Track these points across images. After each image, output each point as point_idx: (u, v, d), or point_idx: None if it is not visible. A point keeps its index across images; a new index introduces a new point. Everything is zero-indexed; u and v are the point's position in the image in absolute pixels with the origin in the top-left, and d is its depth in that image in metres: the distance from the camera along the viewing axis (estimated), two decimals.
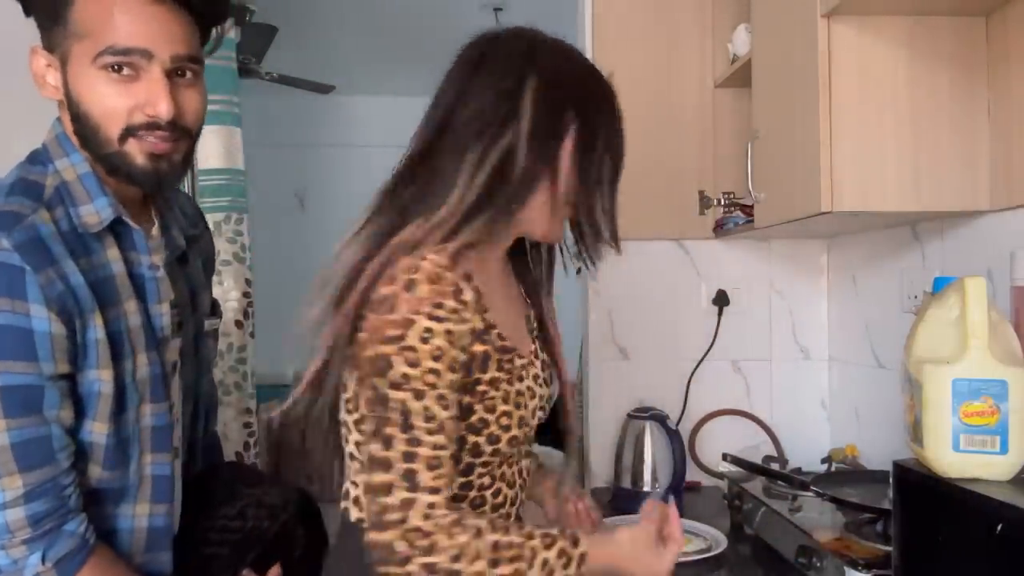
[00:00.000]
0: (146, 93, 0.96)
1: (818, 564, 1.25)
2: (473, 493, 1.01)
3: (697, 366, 2.05)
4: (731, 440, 1.97)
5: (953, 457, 0.97)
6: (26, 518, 0.93)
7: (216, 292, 2.02)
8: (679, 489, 1.86)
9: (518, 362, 1.01)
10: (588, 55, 2.05)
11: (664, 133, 2.03)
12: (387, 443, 0.88)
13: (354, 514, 1.02)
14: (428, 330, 0.89)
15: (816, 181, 1.35)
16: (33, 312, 0.91)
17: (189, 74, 1.00)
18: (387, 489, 0.87)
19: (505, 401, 0.99)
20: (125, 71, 0.95)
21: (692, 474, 1.98)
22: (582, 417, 2.17)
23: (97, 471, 1.00)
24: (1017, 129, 1.30)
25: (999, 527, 0.85)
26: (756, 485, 1.62)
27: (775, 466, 1.76)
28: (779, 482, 1.60)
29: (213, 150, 2.03)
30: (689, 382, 2.04)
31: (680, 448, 1.85)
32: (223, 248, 2.03)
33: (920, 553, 1.00)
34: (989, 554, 0.87)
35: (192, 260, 1.18)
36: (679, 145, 2.04)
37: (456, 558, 0.86)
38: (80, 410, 0.97)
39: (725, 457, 1.79)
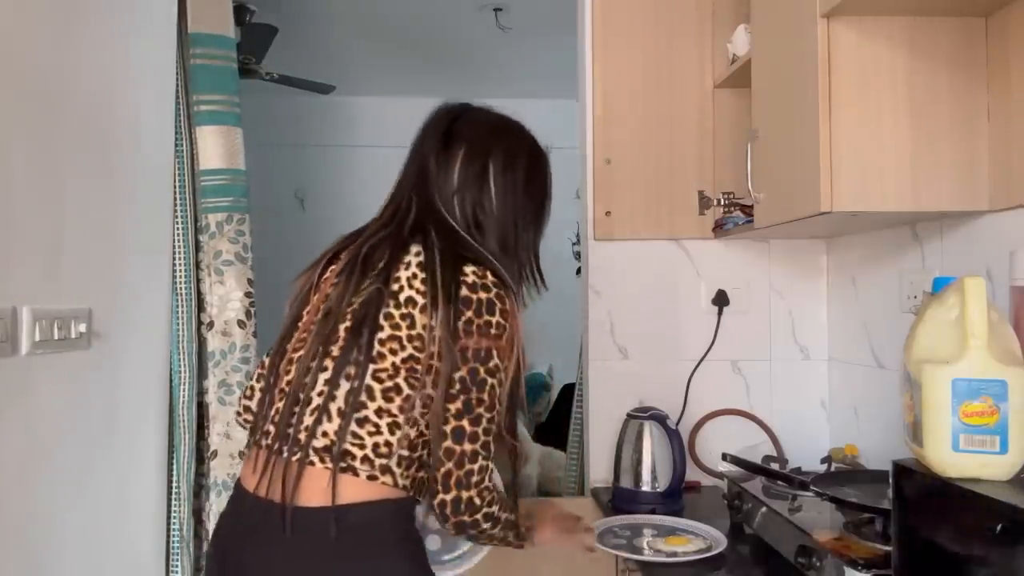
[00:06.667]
0: None
1: (818, 564, 1.25)
2: None
3: (697, 366, 2.05)
4: (731, 440, 1.97)
5: (953, 457, 0.97)
6: None
7: (219, 292, 2.03)
8: (679, 489, 1.86)
9: None
10: (588, 55, 2.07)
11: (664, 133, 2.04)
12: (477, 420, 1.11)
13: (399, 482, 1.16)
14: (511, 337, 1.14)
15: (816, 181, 1.35)
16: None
17: None
18: (475, 457, 1.10)
19: None
20: None
21: (692, 474, 1.98)
22: (582, 417, 2.17)
23: None
24: (1016, 129, 1.30)
25: (999, 527, 0.85)
26: (756, 485, 1.62)
27: (775, 466, 1.77)
28: (779, 482, 1.60)
29: (214, 150, 2.02)
30: (689, 382, 2.05)
31: (680, 448, 1.85)
32: (225, 248, 2.03)
33: (920, 553, 1.00)
34: (989, 554, 0.87)
35: None
36: (679, 145, 2.04)
37: (501, 509, 1.16)
38: None
39: (725, 457, 1.79)
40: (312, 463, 1.11)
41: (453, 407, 1.10)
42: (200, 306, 2.03)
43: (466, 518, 1.11)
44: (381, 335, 1.12)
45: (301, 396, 1.14)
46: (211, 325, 2.03)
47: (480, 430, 1.10)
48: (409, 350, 1.11)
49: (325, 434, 1.11)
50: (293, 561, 1.09)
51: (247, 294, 2.06)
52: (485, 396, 1.11)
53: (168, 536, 1.94)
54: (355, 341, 1.12)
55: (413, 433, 1.12)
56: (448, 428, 1.10)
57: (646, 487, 1.85)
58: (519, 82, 4.62)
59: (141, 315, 1.84)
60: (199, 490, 2.04)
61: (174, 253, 1.97)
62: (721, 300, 2.06)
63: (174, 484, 1.95)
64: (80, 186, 1.65)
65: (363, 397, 1.11)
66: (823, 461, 1.76)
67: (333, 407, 1.12)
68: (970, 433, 0.96)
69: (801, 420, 2.06)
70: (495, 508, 1.14)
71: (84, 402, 1.66)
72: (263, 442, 1.18)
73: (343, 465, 1.10)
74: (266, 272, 2.49)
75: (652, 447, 1.85)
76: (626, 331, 2.06)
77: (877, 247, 1.79)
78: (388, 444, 1.11)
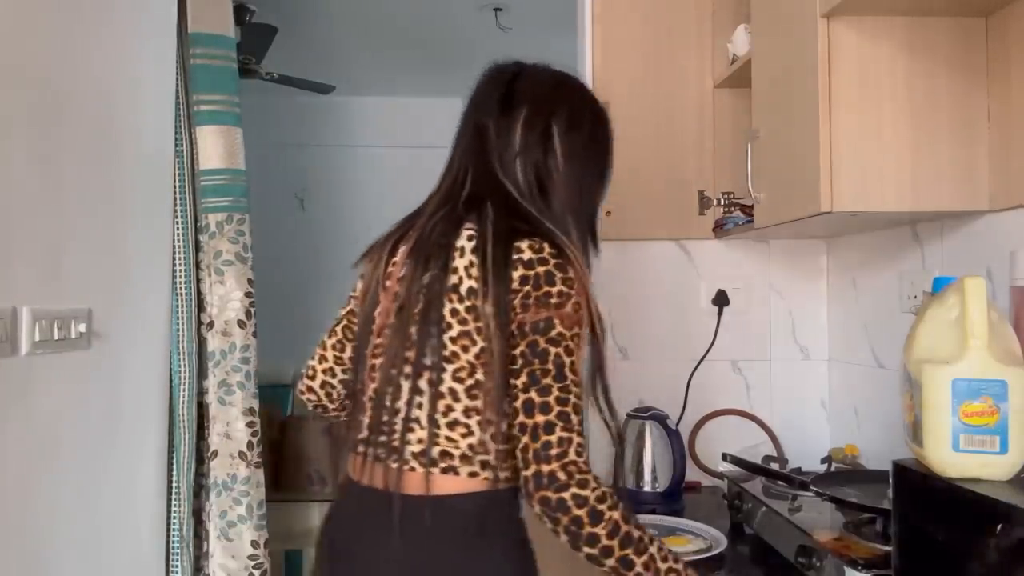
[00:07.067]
0: None
1: (818, 564, 1.25)
2: None
3: (697, 366, 2.05)
4: (731, 440, 1.97)
5: (953, 457, 0.97)
6: None
7: (219, 292, 2.03)
8: (679, 489, 1.86)
9: None
10: (588, 56, 2.07)
11: (664, 133, 2.04)
12: (545, 391, 1.05)
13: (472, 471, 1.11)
14: (578, 303, 1.08)
15: (816, 181, 1.35)
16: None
17: None
18: (550, 428, 1.04)
19: None
20: None
21: (692, 474, 1.98)
22: (582, 417, 2.17)
23: None
24: (1016, 129, 1.30)
25: (999, 527, 0.85)
26: (756, 485, 1.62)
27: (775, 466, 1.77)
28: (779, 482, 1.60)
29: (214, 150, 2.03)
30: (689, 382, 2.05)
31: (680, 448, 1.85)
32: (225, 248, 2.03)
33: (919, 553, 1.00)
34: (989, 554, 0.87)
35: None
36: (679, 145, 2.04)
37: (601, 499, 1.04)
38: None
39: (725, 457, 1.80)
40: (413, 469, 1.11)
41: (519, 382, 1.05)
42: (200, 306, 2.03)
43: (549, 494, 1.02)
44: (451, 333, 1.09)
45: (387, 405, 1.13)
46: (211, 325, 2.03)
47: (552, 399, 1.04)
48: (480, 343, 1.08)
49: (421, 441, 1.10)
50: (398, 545, 1.10)
51: (247, 294, 2.06)
52: (550, 366, 1.05)
53: (168, 536, 1.94)
54: (426, 343, 1.10)
55: (504, 425, 1.09)
56: (518, 404, 1.05)
57: (646, 487, 1.85)
58: None
59: (141, 315, 1.84)
60: (199, 490, 2.04)
61: (174, 253, 1.97)
62: (721, 300, 2.06)
63: (174, 484, 1.95)
64: (80, 186, 1.65)
65: (448, 400, 1.09)
66: (823, 461, 1.76)
67: (421, 415, 1.10)
68: (970, 433, 0.96)
69: (801, 420, 2.06)
70: (590, 494, 1.03)
71: (84, 402, 1.66)
72: (359, 448, 1.18)
73: (444, 466, 1.09)
74: (266, 272, 2.49)
75: (652, 447, 1.86)
76: (626, 331, 2.06)
77: (877, 247, 1.79)
78: (482, 443, 1.09)
